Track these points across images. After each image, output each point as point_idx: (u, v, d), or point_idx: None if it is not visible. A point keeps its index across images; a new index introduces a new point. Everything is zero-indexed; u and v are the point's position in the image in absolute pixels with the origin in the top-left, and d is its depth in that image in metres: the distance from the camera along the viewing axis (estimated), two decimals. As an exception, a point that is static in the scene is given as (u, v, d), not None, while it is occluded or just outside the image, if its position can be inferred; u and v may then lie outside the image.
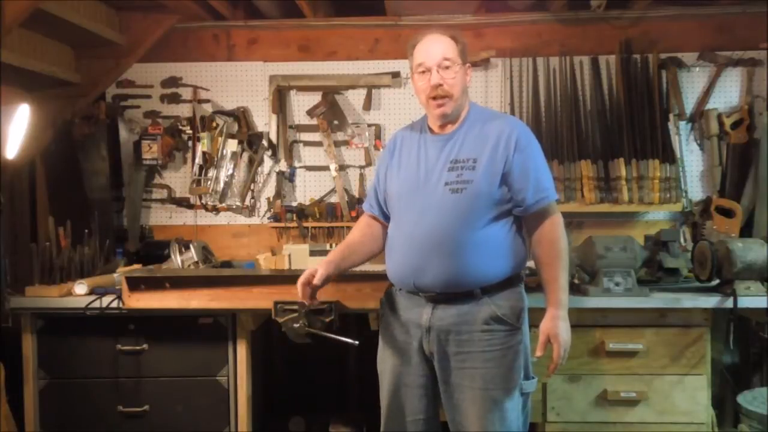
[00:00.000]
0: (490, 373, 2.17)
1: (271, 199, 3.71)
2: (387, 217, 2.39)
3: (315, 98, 3.69)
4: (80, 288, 2.86)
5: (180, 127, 3.70)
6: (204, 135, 3.64)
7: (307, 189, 3.75)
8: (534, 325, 2.25)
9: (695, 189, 3.60)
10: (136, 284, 2.78)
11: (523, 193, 2.18)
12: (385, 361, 2.33)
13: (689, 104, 3.60)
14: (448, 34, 2.24)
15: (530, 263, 2.33)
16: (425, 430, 2.29)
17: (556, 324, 2.15)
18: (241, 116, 3.69)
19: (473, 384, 2.17)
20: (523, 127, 2.29)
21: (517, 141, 2.19)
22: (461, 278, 2.17)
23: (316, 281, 2.27)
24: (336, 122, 3.71)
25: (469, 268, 2.16)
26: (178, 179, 3.76)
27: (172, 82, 3.73)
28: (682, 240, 3.29)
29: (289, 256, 3.31)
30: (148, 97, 3.74)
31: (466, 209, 2.15)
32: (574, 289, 2.93)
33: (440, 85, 2.19)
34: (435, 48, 2.21)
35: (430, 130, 2.31)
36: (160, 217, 3.76)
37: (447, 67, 2.19)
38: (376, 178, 2.46)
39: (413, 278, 2.21)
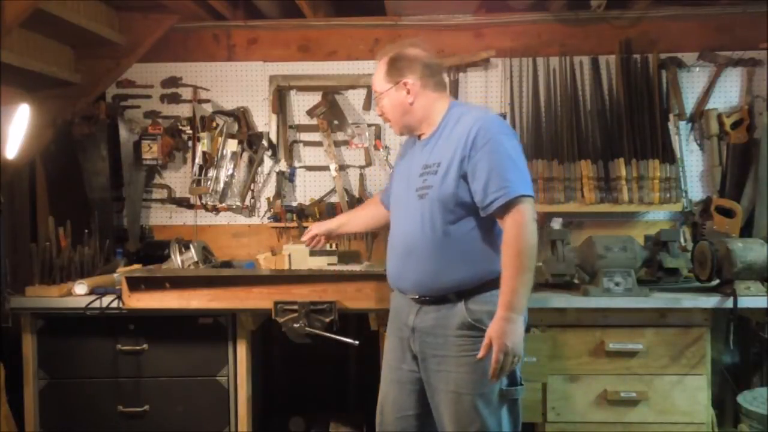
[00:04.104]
0: (463, 378, 2.16)
1: (271, 199, 3.71)
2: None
3: (315, 98, 3.69)
4: (80, 288, 2.86)
5: (180, 127, 3.69)
6: (204, 135, 3.63)
7: (307, 189, 3.75)
8: (534, 326, 2.24)
9: (695, 189, 3.59)
10: (136, 284, 2.78)
11: (479, 193, 2.13)
12: (386, 356, 2.40)
13: (689, 104, 3.60)
14: (384, 56, 2.32)
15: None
16: (414, 426, 2.31)
17: (500, 325, 2.06)
18: (241, 116, 3.69)
19: (447, 387, 2.19)
20: (487, 122, 2.18)
21: (474, 139, 2.13)
22: (432, 284, 2.20)
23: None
24: (336, 122, 3.71)
25: (438, 273, 2.18)
26: (178, 179, 3.76)
27: (172, 82, 3.72)
28: (682, 240, 3.29)
29: (289, 256, 3.30)
30: (148, 97, 3.73)
31: (429, 214, 2.18)
32: (574, 289, 2.93)
33: (382, 113, 2.35)
34: (373, 79, 2.35)
35: (419, 136, 2.37)
36: (160, 217, 3.76)
37: (380, 98, 2.33)
38: (391, 177, 2.59)
39: (396, 282, 2.32)
